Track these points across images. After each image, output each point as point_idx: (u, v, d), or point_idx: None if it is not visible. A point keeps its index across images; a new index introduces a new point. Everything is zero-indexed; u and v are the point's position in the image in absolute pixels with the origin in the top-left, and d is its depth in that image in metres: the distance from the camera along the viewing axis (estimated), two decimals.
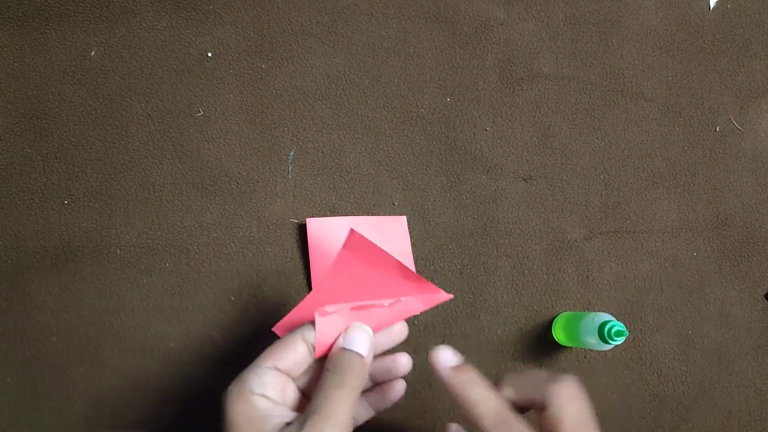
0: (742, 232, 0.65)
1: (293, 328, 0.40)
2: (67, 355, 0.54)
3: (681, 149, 0.65)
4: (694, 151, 0.65)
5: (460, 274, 0.60)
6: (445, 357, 0.38)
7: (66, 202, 0.56)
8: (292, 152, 0.60)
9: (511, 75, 0.64)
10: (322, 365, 0.38)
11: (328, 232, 0.58)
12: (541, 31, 0.65)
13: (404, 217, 0.60)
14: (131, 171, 0.57)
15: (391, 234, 0.59)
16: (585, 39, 0.65)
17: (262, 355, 0.37)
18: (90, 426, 0.53)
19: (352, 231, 0.38)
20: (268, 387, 0.36)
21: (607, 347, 0.53)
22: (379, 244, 0.58)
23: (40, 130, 0.57)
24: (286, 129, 0.60)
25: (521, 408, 0.38)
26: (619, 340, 0.50)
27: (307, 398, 0.39)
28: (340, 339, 0.38)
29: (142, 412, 0.54)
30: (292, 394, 0.38)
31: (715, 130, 0.66)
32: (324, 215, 0.59)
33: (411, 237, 0.60)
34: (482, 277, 0.60)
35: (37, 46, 0.57)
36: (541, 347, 0.60)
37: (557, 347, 0.60)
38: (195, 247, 0.57)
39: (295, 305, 0.39)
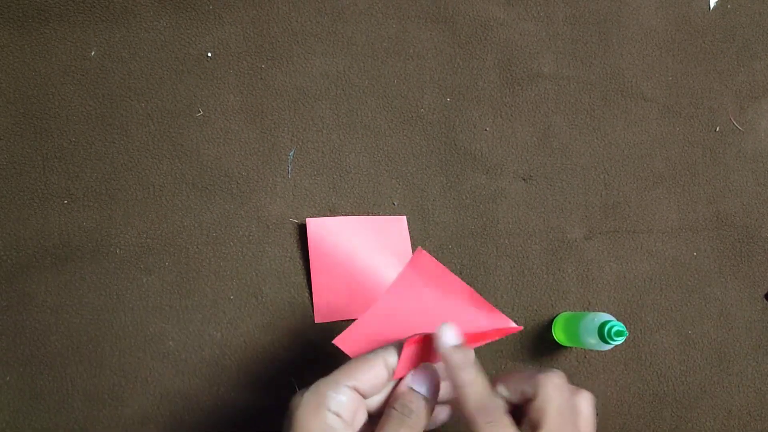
0: (742, 232, 0.65)
1: (357, 342, 0.39)
2: (66, 354, 0.54)
3: (681, 149, 0.65)
4: (694, 151, 0.65)
5: (460, 274, 0.60)
6: (449, 335, 0.38)
7: (66, 201, 0.56)
8: (292, 152, 0.60)
9: (511, 75, 0.64)
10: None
11: (328, 232, 0.58)
12: (541, 31, 0.65)
13: (404, 217, 0.60)
14: (131, 171, 0.57)
15: (391, 234, 0.59)
16: (585, 39, 0.65)
17: (342, 371, 0.36)
18: (89, 425, 0.53)
19: (419, 250, 0.38)
20: (344, 407, 0.35)
21: (607, 347, 0.53)
22: (379, 244, 0.58)
23: (40, 130, 0.57)
24: (286, 129, 0.60)
25: (515, 405, 0.39)
26: (619, 340, 0.50)
27: (374, 421, 0.38)
28: (409, 377, 0.38)
29: (141, 411, 0.54)
30: (361, 416, 0.37)
31: (715, 130, 0.66)
32: (324, 215, 0.59)
33: (411, 237, 0.60)
34: (482, 277, 0.60)
35: (37, 46, 0.57)
36: (541, 347, 0.60)
37: (557, 347, 0.60)
38: (194, 247, 0.57)
39: (358, 318, 0.39)
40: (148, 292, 0.56)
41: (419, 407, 0.36)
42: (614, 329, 0.50)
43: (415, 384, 0.37)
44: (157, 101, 0.58)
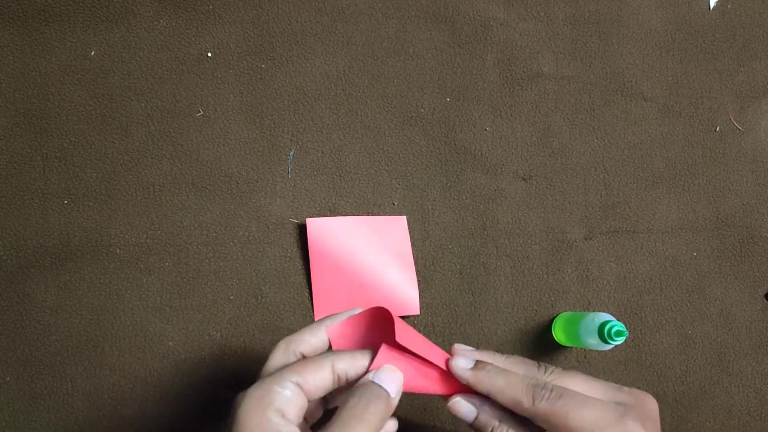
0: (742, 232, 0.65)
1: (345, 338, 0.39)
2: (66, 354, 0.54)
3: (681, 149, 0.65)
4: (694, 151, 0.65)
5: (460, 274, 0.60)
6: (461, 364, 0.40)
7: (66, 201, 0.56)
8: (292, 152, 0.60)
9: (511, 75, 0.64)
10: (323, 406, 0.39)
11: (328, 232, 0.58)
12: (541, 31, 0.65)
13: (404, 217, 0.60)
14: (131, 171, 0.57)
15: (391, 234, 0.59)
16: (585, 39, 0.65)
17: (289, 368, 0.36)
18: (89, 425, 0.53)
19: (398, 321, 0.38)
20: (289, 404, 0.34)
21: (607, 347, 0.53)
22: (379, 244, 0.58)
23: (40, 130, 0.57)
24: (286, 129, 0.60)
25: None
26: (619, 340, 0.50)
27: (307, 423, 0.38)
28: (371, 373, 0.37)
29: (140, 411, 0.54)
30: (301, 416, 0.37)
31: (715, 130, 0.66)
32: (324, 215, 0.59)
33: (411, 237, 0.60)
34: (482, 277, 0.60)
35: (37, 46, 0.57)
36: (541, 347, 0.60)
37: (557, 347, 0.60)
38: (194, 247, 0.57)
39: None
40: (148, 292, 0.56)
41: (380, 398, 0.35)
42: (614, 329, 0.50)
43: (378, 379, 0.37)
44: (157, 101, 0.58)
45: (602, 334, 0.50)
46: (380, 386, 0.36)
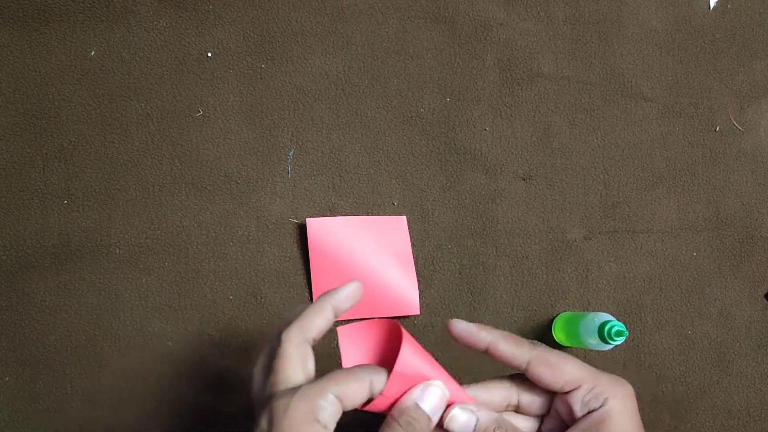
0: (742, 232, 0.64)
1: (354, 342, 0.38)
2: (65, 354, 0.54)
3: (681, 149, 0.65)
4: (694, 151, 0.65)
5: (460, 273, 0.60)
6: (462, 325, 0.39)
7: (65, 201, 0.56)
8: (292, 152, 0.60)
9: (511, 75, 0.64)
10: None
11: (328, 232, 0.58)
12: (541, 31, 0.65)
13: (404, 217, 0.60)
14: (130, 171, 0.57)
15: (391, 234, 0.59)
16: (585, 39, 0.65)
17: (330, 378, 0.35)
18: (88, 425, 0.53)
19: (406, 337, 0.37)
20: (332, 419, 0.34)
21: (607, 347, 0.53)
22: (379, 244, 0.58)
23: (40, 130, 0.57)
24: (285, 129, 0.60)
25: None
26: (619, 340, 0.50)
27: None
28: (417, 390, 0.36)
29: (140, 411, 0.54)
30: (334, 426, 0.37)
31: (715, 130, 0.66)
32: (324, 215, 0.59)
33: (411, 237, 0.60)
34: (482, 277, 0.60)
35: (37, 46, 0.57)
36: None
37: (557, 347, 0.60)
38: (194, 247, 0.57)
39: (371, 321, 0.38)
40: (148, 292, 0.56)
41: (423, 427, 0.35)
42: (614, 329, 0.50)
43: (423, 402, 0.36)
44: (157, 101, 0.58)
45: (602, 334, 0.50)
46: (423, 412, 0.36)
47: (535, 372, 0.38)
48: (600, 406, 0.37)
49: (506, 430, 0.38)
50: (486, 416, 0.39)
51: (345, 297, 0.39)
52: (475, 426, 0.38)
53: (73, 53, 0.58)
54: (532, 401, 0.40)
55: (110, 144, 0.57)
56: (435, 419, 0.36)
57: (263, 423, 0.34)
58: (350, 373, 0.36)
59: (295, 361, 0.36)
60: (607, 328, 0.50)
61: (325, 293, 0.39)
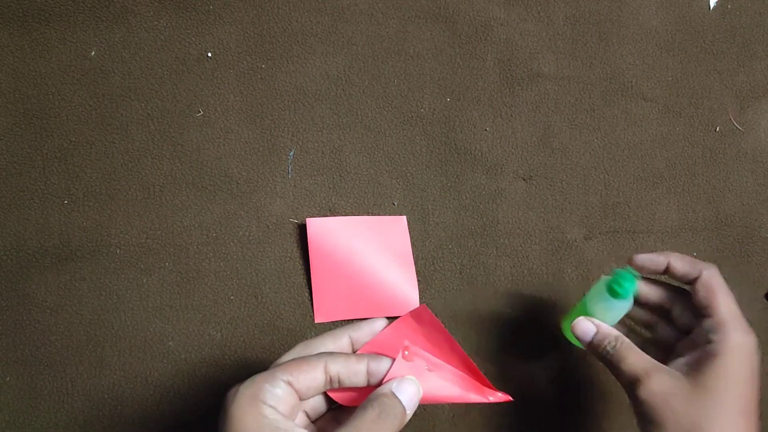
0: (742, 232, 0.65)
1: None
2: (66, 354, 0.54)
3: (681, 149, 0.65)
4: (694, 151, 0.65)
5: (460, 274, 0.60)
6: (642, 256, 0.47)
7: (66, 201, 0.56)
8: (292, 152, 0.60)
9: (511, 75, 0.64)
10: (327, 402, 0.38)
11: (328, 232, 0.58)
12: (541, 31, 0.65)
13: (404, 217, 0.60)
14: (131, 171, 0.57)
15: (391, 234, 0.59)
16: (585, 39, 0.65)
17: (280, 367, 0.36)
18: (89, 425, 0.54)
19: (424, 307, 0.39)
20: (281, 401, 0.34)
21: (623, 302, 0.46)
22: (379, 244, 0.58)
23: (40, 130, 0.57)
24: (286, 129, 0.60)
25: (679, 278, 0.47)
26: (631, 289, 0.45)
27: (309, 418, 0.38)
28: (394, 382, 0.37)
29: (140, 411, 0.54)
30: (301, 417, 0.37)
31: (715, 130, 0.66)
32: (324, 215, 0.59)
33: (411, 237, 0.60)
34: (482, 277, 0.60)
35: (37, 46, 0.57)
36: (542, 347, 0.60)
37: (557, 348, 0.60)
38: (194, 247, 0.57)
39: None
40: (148, 293, 0.56)
41: (397, 414, 0.35)
42: (621, 274, 0.46)
43: (400, 393, 0.36)
44: (157, 101, 0.58)
45: (611, 288, 0.46)
46: (399, 401, 0.36)
47: (697, 288, 0.45)
48: (718, 342, 0.42)
49: (622, 342, 0.44)
50: (605, 329, 0.46)
51: (368, 332, 0.40)
52: (594, 335, 0.46)
53: (73, 53, 0.58)
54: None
55: (110, 144, 0.57)
56: (409, 412, 0.37)
57: (220, 417, 0.35)
58: (303, 360, 0.36)
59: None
60: (612, 280, 0.46)
61: (349, 324, 0.40)
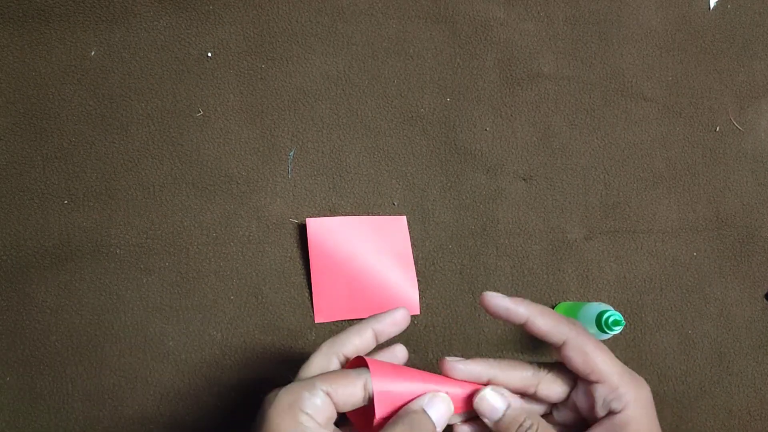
0: (742, 232, 0.65)
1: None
2: (66, 354, 0.54)
3: (681, 149, 0.65)
4: (694, 151, 0.65)
5: (460, 274, 0.60)
6: (497, 299, 0.39)
7: (66, 201, 0.56)
8: (292, 152, 0.60)
9: (511, 75, 0.64)
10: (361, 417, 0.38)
11: (328, 232, 0.58)
12: (541, 31, 0.65)
13: (404, 217, 0.60)
14: (131, 171, 0.57)
15: (391, 234, 0.59)
16: (585, 39, 0.65)
17: (321, 376, 0.35)
18: (89, 425, 0.53)
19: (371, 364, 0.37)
20: (319, 410, 0.34)
21: (605, 337, 0.53)
22: (379, 244, 0.58)
23: (40, 130, 0.57)
24: (286, 129, 0.60)
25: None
26: (617, 330, 0.51)
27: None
28: (425, 398, 0.37)
29: (141, 411, 0.54)
30: (329, 425, 0.37)
31: (715, 130, 0.66)
32: (324, 215, 0.59)
33: (411, 237, 0.60)
34: (482, 277, 0.60)
35: (37, 46, 0.57)
36: (542, 347, 0.60)
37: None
38: (195, 247, 0.57)
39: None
40: (149, 293, 0.56)
41: (426, 430, 0.35)
42: (612, 318, 0.50)
43: (430, 409, 0.36)
44: (157, 101, 0.58)
45: (600, 323, 0.51)
46: (429, 418, 0.36)
47: (569, 354, 0.38)
48: (621, 410, 0.37)
49: (537, 424, 0.37)
50: (518, 404, 0.38)
51: (390, 322, 0.40)
52: (505, 412, 0.38)
53: (73, 53, 0.58)
54: (551, 392, 0.39)
55: (110, 144, 0.57)
56: (439, 429, 0.36)
57: (257, 420, 0.35)
58: (343, 372, 0.36)
59: (316, 369, 0.38)
60: (604, 318, 0.50)
61: (371, 316, 0.40)
